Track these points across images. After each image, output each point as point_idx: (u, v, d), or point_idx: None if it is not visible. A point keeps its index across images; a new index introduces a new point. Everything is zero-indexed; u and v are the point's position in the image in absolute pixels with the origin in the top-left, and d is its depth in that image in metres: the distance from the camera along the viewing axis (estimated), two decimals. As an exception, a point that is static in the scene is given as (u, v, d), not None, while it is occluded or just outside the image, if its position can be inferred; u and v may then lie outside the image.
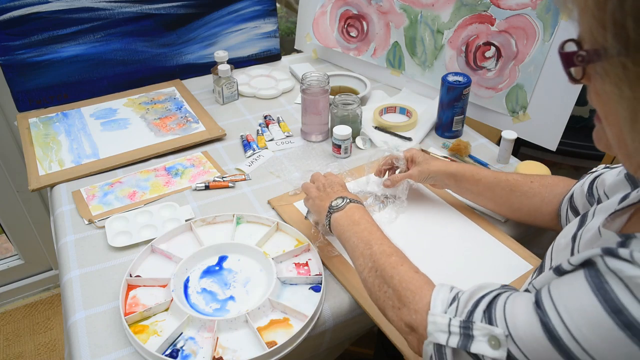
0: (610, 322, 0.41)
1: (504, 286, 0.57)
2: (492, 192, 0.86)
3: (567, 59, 0.41)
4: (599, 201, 0.64)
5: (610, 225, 0.55)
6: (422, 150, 1.14)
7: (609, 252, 0.43)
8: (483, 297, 0.54)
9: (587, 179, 0.77)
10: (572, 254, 0.59)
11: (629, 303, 0.40)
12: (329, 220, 0.78)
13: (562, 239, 0.64)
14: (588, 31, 0.40)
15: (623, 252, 0.42)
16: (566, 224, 0.80)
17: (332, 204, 0.79)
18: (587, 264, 0.46)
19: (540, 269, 0.67)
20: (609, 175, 0.70)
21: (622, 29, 0.36)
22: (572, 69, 0.43)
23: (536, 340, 0.46)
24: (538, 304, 0.47)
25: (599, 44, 0.39)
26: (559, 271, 0.49)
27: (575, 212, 0.78)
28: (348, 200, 0.78)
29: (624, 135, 0.42)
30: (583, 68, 0.42)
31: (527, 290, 0.55)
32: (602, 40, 0.38)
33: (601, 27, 0.38)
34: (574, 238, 0.61)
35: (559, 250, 0.63)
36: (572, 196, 0.79)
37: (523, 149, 1.69)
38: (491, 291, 0.55)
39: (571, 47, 0.42)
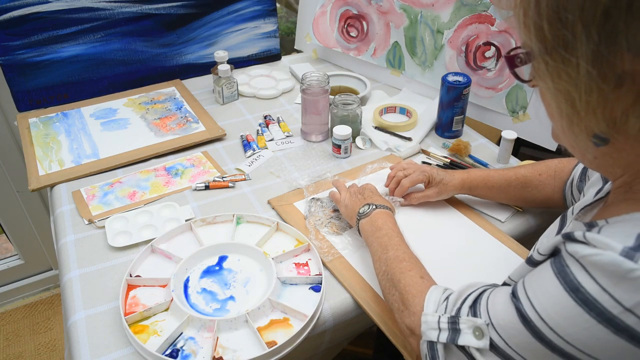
0: (570, 300, 0.45)
1: (491, 285, 0.60)
2: (506, 193, 0.91)
3: (510, 61, 0.48)
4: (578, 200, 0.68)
5: (582, 218, 0.59)
6: (423, 150, 1.14)
7: (568, 237, 0.48)
8: (470, 294, 0.58)
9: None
10: None
11: (584, 281, 0.44)
12: (358, 227, 0.82)
13: (545, 239, 0.67)
14: (522, 36, 0.45)
15: (578, 234, 0.46)
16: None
17: (360, 211, 0.83)
18: (554, 253, 0.51)
19: None
20: None
21: (540, 31, 0.42)
22: (518, 70, 0.48)
23: (513, 327, 0.50)
24: (514, 294, 0.52)
25: (529, 46, 0.45)
26: (531, 262, 0.55)
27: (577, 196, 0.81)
28: (374, 207, 0.82)
29: (558, 124, 0.48)
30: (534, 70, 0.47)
31: (505, 283, 0.60)
32: (529, 42, 0.44)
33: (528, 31, 0.44)
34: None
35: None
36: (572, 181, 0.82)
37: (523, 149, 1.69)
38: (478, 288, 0.59)
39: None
